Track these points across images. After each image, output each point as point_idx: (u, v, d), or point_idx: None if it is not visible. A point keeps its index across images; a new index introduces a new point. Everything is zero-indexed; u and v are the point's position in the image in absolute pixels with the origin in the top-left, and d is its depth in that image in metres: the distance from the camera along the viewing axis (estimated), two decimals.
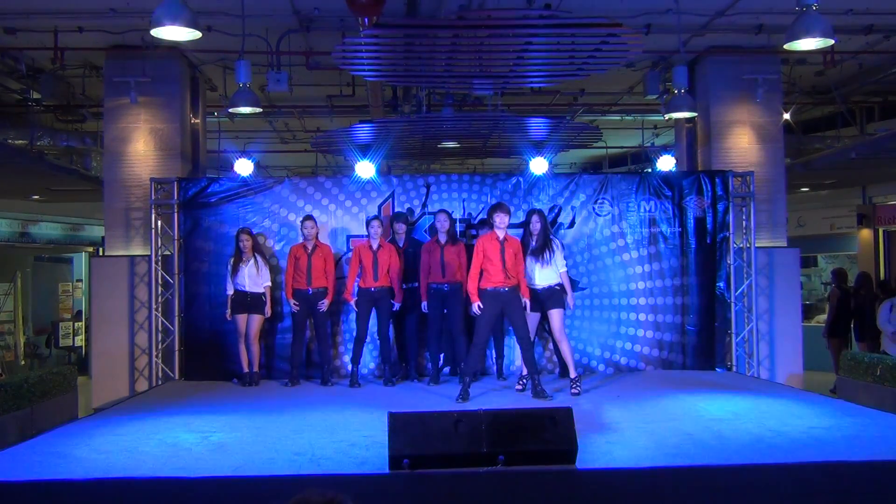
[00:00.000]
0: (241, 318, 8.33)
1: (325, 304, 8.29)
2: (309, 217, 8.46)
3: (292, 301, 8.32)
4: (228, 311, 8.39)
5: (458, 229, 8.91)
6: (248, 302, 8.32)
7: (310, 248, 8.31)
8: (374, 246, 8.17)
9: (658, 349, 9.01)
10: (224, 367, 8.69)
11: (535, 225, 7.56)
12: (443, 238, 8.11)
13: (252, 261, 8.35)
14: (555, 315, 7.42)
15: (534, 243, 7.54)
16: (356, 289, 8.24)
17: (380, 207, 9.04)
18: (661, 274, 9.06)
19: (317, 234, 8.42)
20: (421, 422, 4.66)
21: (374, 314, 8.26)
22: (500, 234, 7.22)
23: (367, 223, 8.33)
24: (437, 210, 8.51)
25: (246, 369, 8.38)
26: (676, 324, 9.02)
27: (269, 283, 8.44)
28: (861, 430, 5.58)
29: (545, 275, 7.46)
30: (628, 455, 5.00)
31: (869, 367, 7.71)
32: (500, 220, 7.21)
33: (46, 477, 4.66)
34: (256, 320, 8.37)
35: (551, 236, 7.74)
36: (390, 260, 8.18)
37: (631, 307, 9.01)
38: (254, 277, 8.32)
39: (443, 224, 8.12)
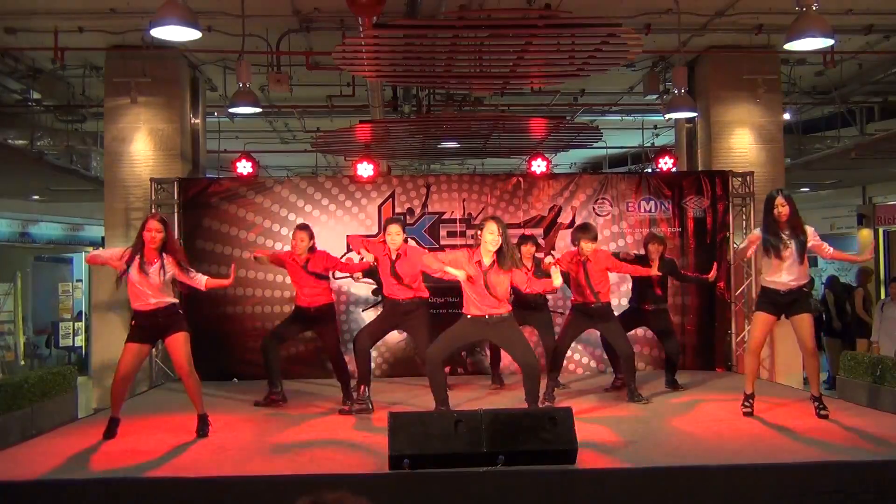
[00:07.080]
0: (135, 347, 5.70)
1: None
2: (304, 227, 6.96)
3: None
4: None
5: (457, 230, 8.92)
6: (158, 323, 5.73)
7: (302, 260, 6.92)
8: (393, 255, 6.54)
9: (658, 349, 9.00)
10: (224, 367, 8.69)
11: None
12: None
13: (158, 264, 5.64)
14: None
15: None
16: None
17: (380, 208, 9.04)
18: None
19: (309, 247, 6.93)
20: (421, 422, 4.66)
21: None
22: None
23: (385, 227, 6.65)
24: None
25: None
26: (676, 324, 9.00)
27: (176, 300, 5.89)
28: (861, 430, 5.58)
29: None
30: (628, 455, 5.00)
31: (869, 367, 7.70)
32: (586, 245, 6.70)
33: (46, 477, 4.66)
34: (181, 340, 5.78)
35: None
36: (411, 272, 6.50)
37: None
38: (160, 287, 5.64)
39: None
